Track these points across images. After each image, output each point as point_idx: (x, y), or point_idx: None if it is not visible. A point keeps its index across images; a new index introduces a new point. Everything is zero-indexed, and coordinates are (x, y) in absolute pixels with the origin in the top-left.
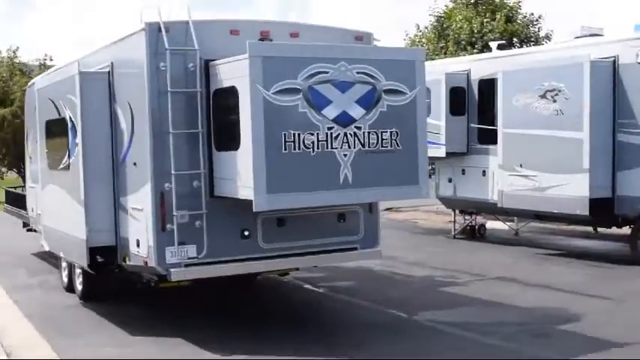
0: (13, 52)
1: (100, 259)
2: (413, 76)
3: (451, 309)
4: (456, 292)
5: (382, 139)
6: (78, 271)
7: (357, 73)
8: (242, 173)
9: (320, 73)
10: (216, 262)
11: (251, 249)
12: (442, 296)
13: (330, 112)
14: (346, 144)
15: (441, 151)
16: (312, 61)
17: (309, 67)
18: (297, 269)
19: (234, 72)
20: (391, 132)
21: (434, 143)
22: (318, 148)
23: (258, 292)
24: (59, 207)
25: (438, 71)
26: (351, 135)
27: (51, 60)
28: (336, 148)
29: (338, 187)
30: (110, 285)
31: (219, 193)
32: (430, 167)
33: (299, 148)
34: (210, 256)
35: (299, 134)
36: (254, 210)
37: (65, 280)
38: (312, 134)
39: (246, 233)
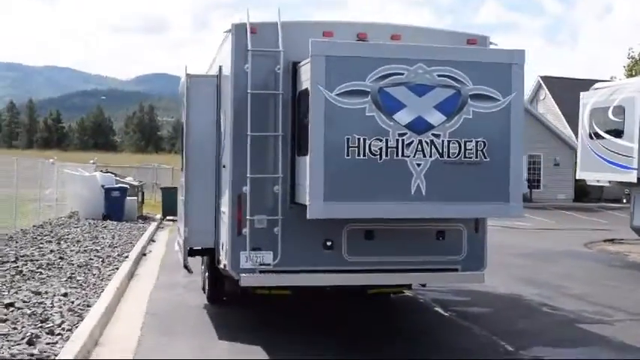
0: None
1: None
2: (508, 80)
3: (572, 348)
4: (593, 331)
5: (466, 149)
6: (206, 273)
7: (439, 75)
8: (307, 179)
9: (393, 74)
10: (293, 271)
11: (334, 261)
12: (572, 333)
13: (403, 117)
14: (420, 152)
15: (631, 176)
16: (384, 62)
17: (381, 68)
18: (401, 287)
19: (307, 73)
20: (477, 142)
21: (622, 166)
22: (386, 155)
23: (378, 308)
24: (180, 208)
25: (635, 88)
26: (427, 143)
27: None
28: (408, 157)
29: (408, 198)
30: (234, 287)
31: (297, 199)
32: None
33: (364, 155)
34: (286, 264)
35: (365, 139)
36: (307, 217)
37: (201, 281)
38: (381, 140)
39: (329, 244)
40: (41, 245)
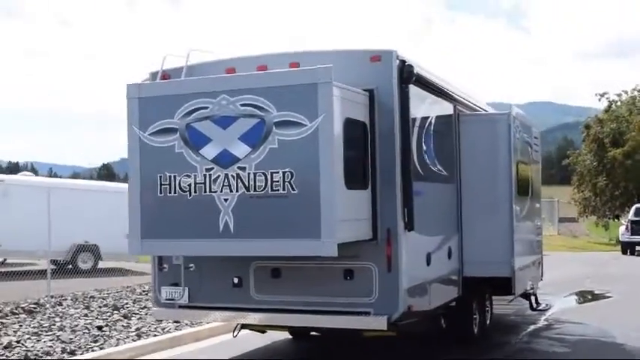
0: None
1: None
2: (314, 102)
3: None
4: None
5: (272, 182)
6: None
7: (242, 105)
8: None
9: (199, 109)
10: (205, 307)
11: (242, 299)
12: None
13: (210, 151)
14: (227, 187)
15: None
16: (190, 97)
17: (188, 104)
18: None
19: None
20: (284, 172)
21: None
22: (195, 192)
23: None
24: None
25: None
26: (233, 177)
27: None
28: (215, 192)
29: (217, 235)
30: None
31: None
32: None
33: (175, 192)
34: (198, 300)
35: (175, 176)
36: (129, 253)
37: None
38: (189, 176)
39: (237, 281)
40: None
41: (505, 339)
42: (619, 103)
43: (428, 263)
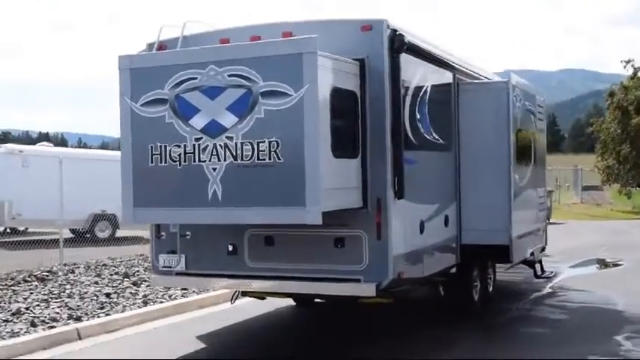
0: None
1: None
2: (299, 72)
3: None
4: None
5: (259, 151)
6: None
7: (229, 75)
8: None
9: (188, 80)
10: (200, 274)
11: (236, 266)
12: None
13: (198, 121)
14: (215, 156)
15: None
16: (179, 68)
17: (177, 75)
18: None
19: None
20: (270, 142)
21: None
22: (185, 161)
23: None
24: None
25: None
26: (221, 146)
27: None
28: (204, 161)
29: (206, 204)
30: None
31: None
32: None
33: (166, 161)
34: (194, 267)
35: (165, 146)
36: (120, 222)
37: None
38: (179, 146)
39: (231, 249)
40: None
41: (506, 306)
42: None
43: (421, 231)
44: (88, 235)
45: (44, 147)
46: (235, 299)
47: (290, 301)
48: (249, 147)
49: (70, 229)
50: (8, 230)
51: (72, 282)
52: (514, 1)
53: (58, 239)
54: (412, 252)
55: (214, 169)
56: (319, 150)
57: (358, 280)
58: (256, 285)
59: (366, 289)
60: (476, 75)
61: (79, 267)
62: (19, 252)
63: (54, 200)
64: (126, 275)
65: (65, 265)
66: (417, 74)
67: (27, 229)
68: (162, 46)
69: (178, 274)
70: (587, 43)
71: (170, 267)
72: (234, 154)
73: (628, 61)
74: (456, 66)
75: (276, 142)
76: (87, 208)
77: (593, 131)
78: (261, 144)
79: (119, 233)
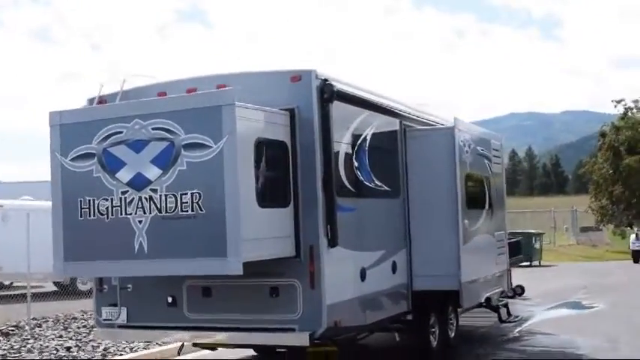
0: None
1: None
2: (218, 124)
3: None
4: None
5: (182, 203)
6: None
7: (153, 129)
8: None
9: (114, 134)
10: (141, 327)
11: (176, 318)
12: None
13: (124, 175)
14: (141, 209)
15: None
16: (106, 122)
17: (104, 130)
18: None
19: None
20: (192, 194)
21: None
22: (112, 215)
23: None
24: None
25: None
26: (146, 199)
27: None
28: (130, 214)
29: (132, 256)
30: None
31: None
32: None
33: (94, 215)
34: (136, 320)
35: (94, 200)
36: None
37: None
38: (107, 199)
39: (170, 300)
40: None
41: (467, 351)
42: (634, 110)
43: (362, 278)
44: (71, 288)
45: (24, 201)
46: (181, 351)
47: (251, 351)
48: (173, 199)
49: (53, 282)
50: None
51: (36, 336)
52: (520, 44)
53: (42, 293)
54: (351, 300)
55: (140, 222)
56: (240, 200)
57: (293, 330)
58: (192, 337)
59: (300, 339)
60: (427, 122)
61: (47, 321)
62: None
63: (35, 253)
64: (93, 328)
65: (34, 319)
66: (353, 122)
67: (12, 283)
68: (102, 100)
69: (120, 326)
70: (592, 84)
71: (111, 320)
72: (159, 206)
73: (619, 101)
74: (402, 113)
75: (198, 193)
76: None
77: (584, 172)
78: (184, 196)
79: None
